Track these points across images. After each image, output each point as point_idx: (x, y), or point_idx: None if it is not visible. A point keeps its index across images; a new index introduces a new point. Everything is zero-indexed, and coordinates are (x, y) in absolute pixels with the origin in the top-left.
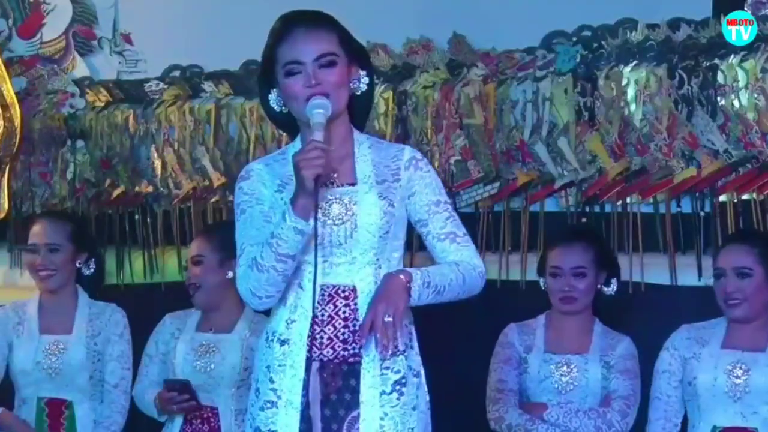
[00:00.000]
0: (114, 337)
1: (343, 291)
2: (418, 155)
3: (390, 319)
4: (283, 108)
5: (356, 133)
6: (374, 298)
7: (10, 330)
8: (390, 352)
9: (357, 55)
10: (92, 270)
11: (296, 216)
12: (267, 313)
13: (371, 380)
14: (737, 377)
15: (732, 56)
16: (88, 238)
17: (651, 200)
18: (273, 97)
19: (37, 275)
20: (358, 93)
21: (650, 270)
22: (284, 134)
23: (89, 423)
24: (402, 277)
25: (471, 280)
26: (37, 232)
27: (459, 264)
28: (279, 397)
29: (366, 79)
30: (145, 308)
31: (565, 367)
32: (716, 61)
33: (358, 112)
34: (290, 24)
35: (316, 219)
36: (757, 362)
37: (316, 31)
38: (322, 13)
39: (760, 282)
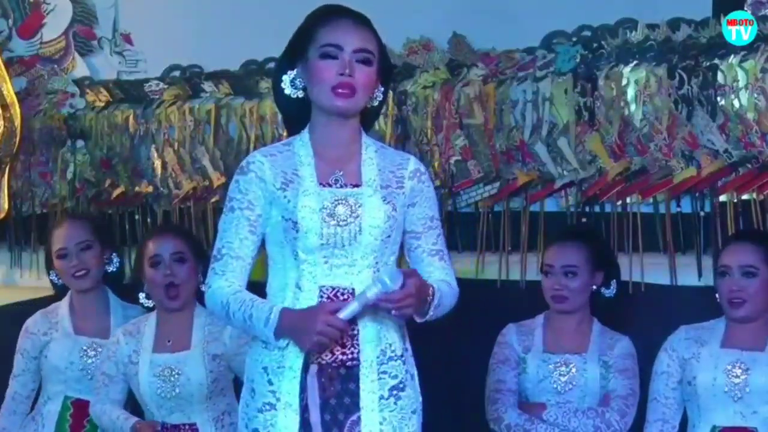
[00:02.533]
0: None
1: (342, 293)
2: (422, 168)
3: (396, 312)
4: (298, 92)
5: (364, 136)
6: (416, 284)
7: (41, 337)
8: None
9: (383, 70)
10: (116, 266)
11: (272, 334)
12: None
13: (369, 384)
14: (737, 377)
15: (732, 56)
16: (108, 234)
17: (651, 200)
18: (288, 78)
19: (72, 278)
20: (373, 104)
21: (650, 270)
22: (285, 134)
23: None
24: (430, 291)
25: (453, 303)
26: (64, 235)
27: (451, 286)
28: (278, 399)
29: (380, 96)
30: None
31: (563, 367)
32: (716, 61)
33: (363, 121)
34: (337, 12)
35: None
36: (756, 362)
37: (364, 28)
38: (368, 18)
39: (764, 282)
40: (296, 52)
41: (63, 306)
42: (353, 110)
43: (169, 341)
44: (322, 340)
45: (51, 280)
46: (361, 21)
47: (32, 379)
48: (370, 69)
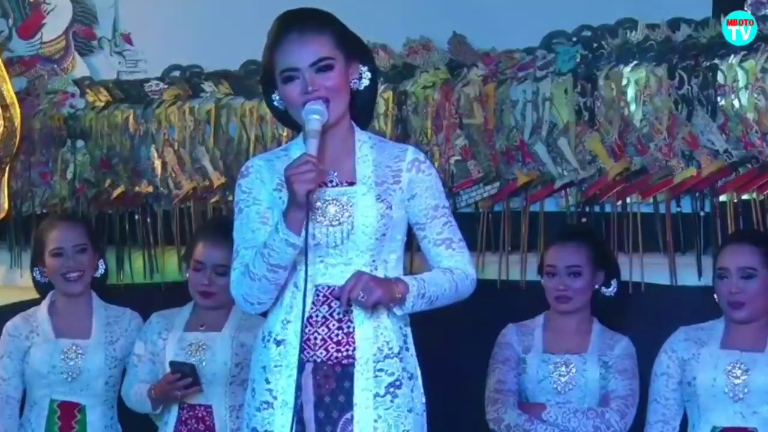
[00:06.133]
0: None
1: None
2: (421, 157)
3: (362, 299)
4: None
5: (358, 132)
6: (373, 277)
7: (23, 341)
8: (342, 307)
9: (356, 51)
10: (103, 270)
11: (288, 229)
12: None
13: (365, 382)
14: (736, 377)
15: (732, 56)
16: (97, 238)
17: (651, 200)
18: (276, 98)
19: (65, 279)
20: (361, 89)
21: (650, 270)
22: (284, 134)
23: (100, 428)
24: (400, 287)
25: (463, 288)
26: (61, 235)
27: (453, 272)
28: (275, 398)
29: (368, 74)
30: (145, 308)
31: (563, 367)
32: (716, 61)
33: (361, 109)
34: (284, 28)
35: (306, 233)
36: (756, 362)
37: (310, 36)
38: (316, 12)
39: (763, 283)
40: (269, 76)
41: (42, 309)
42: (335, 116)
43: (202, 325)
44: (299, 178)
45: (34, 278)
46: (308, 27)
47: (22, 382)
48: (332, 72)
